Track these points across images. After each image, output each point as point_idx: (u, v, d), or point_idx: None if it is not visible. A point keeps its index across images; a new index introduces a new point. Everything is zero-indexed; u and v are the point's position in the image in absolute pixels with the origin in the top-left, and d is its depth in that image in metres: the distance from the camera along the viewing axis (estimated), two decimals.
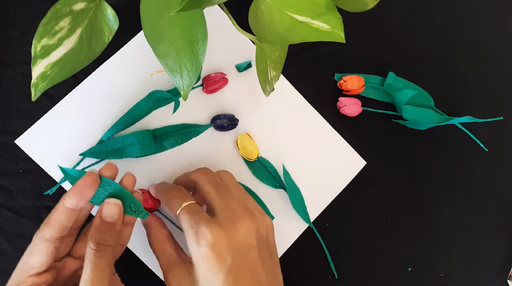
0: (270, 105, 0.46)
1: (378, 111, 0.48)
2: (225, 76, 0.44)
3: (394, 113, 0.48)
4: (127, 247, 0.42)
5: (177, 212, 0.36)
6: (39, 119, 0.41)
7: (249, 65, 0.45)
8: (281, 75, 0.46)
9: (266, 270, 0.35)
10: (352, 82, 0.47)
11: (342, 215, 0.47)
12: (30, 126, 0.41)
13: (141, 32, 0.43)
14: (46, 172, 0.41)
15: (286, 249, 0.45)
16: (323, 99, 0.47)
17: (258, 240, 0.35)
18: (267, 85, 0.39)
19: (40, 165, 0.41)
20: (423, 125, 0.48)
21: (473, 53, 0.51)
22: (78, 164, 0.42)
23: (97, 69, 0.43)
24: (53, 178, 0.42)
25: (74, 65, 0.33)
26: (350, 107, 0.47)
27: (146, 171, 0.43)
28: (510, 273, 0.50)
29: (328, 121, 0.47)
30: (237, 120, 0.44)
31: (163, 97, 0.43)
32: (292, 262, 0.45)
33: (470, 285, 0.50)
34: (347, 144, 0.47)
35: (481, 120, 0.49)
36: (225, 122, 0.44)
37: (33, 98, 0.31)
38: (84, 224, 0.38)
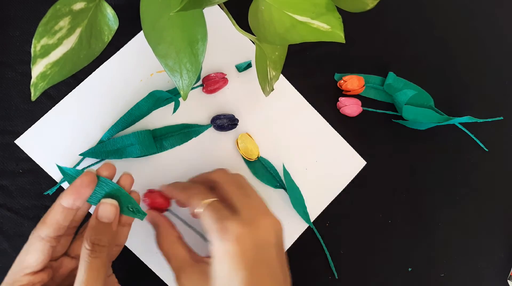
0: (270, 105, 0.46)
1: (378, 111, 0.48)
2: (225, 76, 0.44)
3: (394, 113, 0.48)
4: (127, 247, 0.42)
5: (199, 209, 0.36)
6: (39, 119, 0.41)
7: (249, 65, 0.45)
8: (281, 75, 0.46)
9: (281, 269, 0.35)
10: (352, 82, 0.47)
11: (342, 215, 0.47)
12: (30, 126, 0.41)
13: (141, 32, 0.43)
14: (46, 172, 0.41)
15: (286, 249, 0.45)
16: (323, 99, 0.47)
17: (275, 239, 0.36)
18: (266, 85, 0.39)
19: (40, 165, 0.41)
20: (423, 125, 0.48)
21: (473, 53, 0.51)
22: (78, 164, 0.42)
23: (97, 69, 0.43)
24: (53, 178, 0.42)
25: (73, 65, 0.33)
26: (350, 107, 0.47)
27: (146, 171, 0.43)
28: (510, 273, 0.50)
29: (328, 121, 0.47)
30: (237, 120, 0.44)
31: (163, 97, 0.43)
32: (292, 262, 0.45)
33: (470, 285, 0.50)
34: (347, 144, 0.47)
35: (481, 120, 0.49)
36: (225, 122, 0.44)
37: (33, 98, 0.31)
38: (82, 224, 0.38)
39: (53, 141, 0.42)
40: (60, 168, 0.35)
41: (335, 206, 0.47)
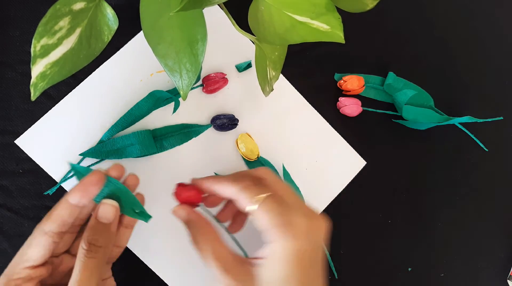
0: (270, 105, 0.46)
1: (378, 111, 0.48)
2: (225, 76, 0.44)
3: (394, 113, 0.48)
4: (127, 247, 0.42)
5: (252, 205, 0.33)
6: (39, 119, 0.41)
7: (249, 65, 0.45)
8: (281, 75, 0.46)
9: (324, 272, 0.34)
10: (352, 82, 0.47)
11: (342, 215, 0.47)
12: (30, 126, 0.41)
13: (141, 32, 0.43)
14: (46, 172, 0.41)
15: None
16: (323, 99, 0.47)
17: (324, 241, 0.35)
18: (266, 85, 0.39)
19: (40, 165, 0.41)
20: (423, 125, 0.48)
21: (473, 53, 0.51)
22: (78, 164, 0.42)
23: (97, 69, 0.43)
24: (53, 178, 0.42)
25: (73, 64, 0.33)
26: (350, 107, 0.47)
27: (146, 171, 0.43)
28: (510, 273, 0.50)
29: (328, 121, 0.47)
30: (237, 120, 0.44)
31: (163, 97, 0.43)
32: None
33: (470, 285, 0.50)
34: (347, 144, 0.47)
35: (481, 120, 0.49)
36: (225, 122, 0.44)
37: (33, 98, 0.31)
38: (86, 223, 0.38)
39: (53, 141, 0.42)
40: (72, 165, 0.35)
41: (335, 206, 0.47)
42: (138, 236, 0.41)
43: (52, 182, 0.42)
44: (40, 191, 0.42)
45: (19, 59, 0.42)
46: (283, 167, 0.45)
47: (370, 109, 0.48)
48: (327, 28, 0.32)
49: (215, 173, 0.44)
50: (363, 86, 0.47)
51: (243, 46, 0.45)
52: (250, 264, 0.33)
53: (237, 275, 0.32)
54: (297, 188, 0.45)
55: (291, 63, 0.44)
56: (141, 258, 0.42)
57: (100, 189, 0.34)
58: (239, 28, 0.37)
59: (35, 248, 0.33)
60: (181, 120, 0.44)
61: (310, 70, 0.47)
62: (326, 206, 0.46)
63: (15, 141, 0.41)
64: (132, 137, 0.42)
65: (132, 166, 0.43)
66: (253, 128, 0.45)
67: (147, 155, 0.43)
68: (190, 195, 0.36)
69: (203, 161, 0.44)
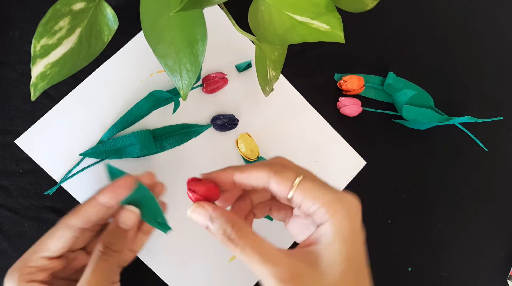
0: (270, 105, 0.46)
1: (378, 111, 0.48)
2: (225, 76, 0.44)
3: (394, 113, 0.48)
4: None
5: (290, 190, 0.30)
6: (39, 119, 0.41)
7: (249, 65, 0.45)
8: (281, 75, 0.46)
9: None
10: (352, 82, 0.47)
11: None
12: (30, 126, 0.41)
13: (141, 32, 0.43)
14: (46, 172, 0.41)
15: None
16: (323, 99, 0.47)
17: None
18: (266, 85, 0.39)
19: (40, 165, 0.41)
20: (423, 125, 0.48)
21: (473, 53, 0.51)
22: (78, 164, 0.42)
23: (97, 69, 0.43)
24: (53, 178, 0.42)
25: (73, 65, 0.33)
26: (350, 107, 0.47)
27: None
28: (510, 273, 0.50)
29: (328, 121, 0.47)
30: (237, 120, 0.44)
31: (163, 97, 0.43)
32: None
33: (470, 285, 0.50)
34: (347, 144, 0.47)
35: (481, 120, 0.49)
36: (225, 122, 0.44)
37: (33, 98, 0.31)
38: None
39: (53, 141, 0.42)
40: (108, 166, 0.36)
41: None
42: None
43: (52, 182, 0.42)
44: (40, 191, 0.42)
45: (19, 59, 0.42)
46: None
47: (370, 109, 0.48)
48: (327, 28, 0.32)
49: None
50: (363, 86, 0.47)
51: (243, 46, 0.45)
52: (303, 252, 0.29)
53: (287, 264, 0.28)
54: None
55: (291, 63, 0.44)
56: (141, 258, 0.42)
57: (129, 193, 0.34)
58: (239, 28, 0.37)
59: (56, 240, 0.33)
60: (181, 120, 0.44)
61: (310, 70, 0.47)
62: None
63: (15, 141, 0.41)
64: (132, 137, 0.42)
65: (132, 166, 0.43)
66: (253, 128, 0.45)
67: (147, 155, 0.43)
68: (209, 188, 0.31)
69: (203, 161, 0.44)
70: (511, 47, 0.52)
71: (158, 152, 0.43)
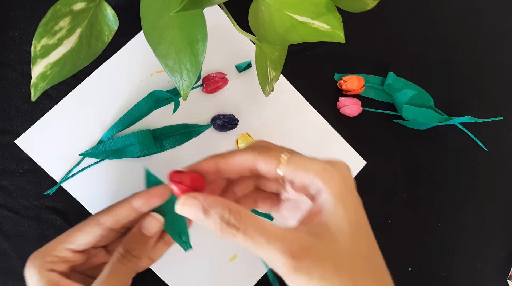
0: (270, 105, 0.46)
1: (378, 111, 0.48)
2: (225, 76, 0.44)
3: (394, 113, 0.48)
4: None
5: (280, 167, 0.29)
6: (39, 119, 0.41)
7: (249, 65, 0.45)
8: (281, 75, 0.46)
9: None
10: (352, 82, 0.47)
11: None
12: (30, 126, 0.41)
13: (141, 32, 0.43)
14: (46, 172, 0.41)
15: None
16: (323, 99, 0.47)
17: None
18: (266, 85, 0.39)
19: (40, 165, 0.41)
20: (423, 125, 0.48)
21: (473, 53, 0.51)
22: (78, 164, 0.42)
23: (97, 69, 0.43)
24: (53, 178, 0.42)
25: (73, 65, 0.33)
26: (350, 107, 0.47)
27: None
28: (510, 273, 0.50)
29: (328, 121, 0.47)
30: (237, 120, 0.44)
31: (163, 97, 0.43)
32: None
33: (470, 285, 0.50)
34: (347, 144, 0.47)
35: (481, 120, 0.49)
36: (225, 122, 0.44)
37: (33, 98, 0.31)
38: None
39: (53, 141, 0.42)
40: (147, 172, 0.36)
41: None
42: None
43: (52, 182, 0.42)
44: (40, 191, 0.42)
45: (19, 59, 0.42)
46: None
47: (370, 109, 0.48)
48: (328, 28, 0.32)
49: None
50: (363, 86, 0.47)
51: (243, 46, 0.45)
52: (307, 227, 0.28)
53: (300, 240, 0.26)
54: None
55: (291, 63, 0.44)
56: None
57: (161, 203, 0.35)
58: (239, 28, 0.37)
59: (85, 235, 0.34)
60: (181, 120, 0.44)
61: (310, 70, 0.47)
62: None
63: (15, 141, 0.41)
64: (132, 137, 0.42)
65: (132, 166, 0.43)
66: (253, 128, 0.45)
67: (147, 155, 0.43)
68: (195, 178, 0.30)
69: None
70: (511, 47, 0.52)
71: (158, 152, 0.43)
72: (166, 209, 0.35)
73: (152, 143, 0.42)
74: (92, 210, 0.42)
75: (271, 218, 0.43)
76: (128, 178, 0.42)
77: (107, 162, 0.42)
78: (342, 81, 0.47)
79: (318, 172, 0.28)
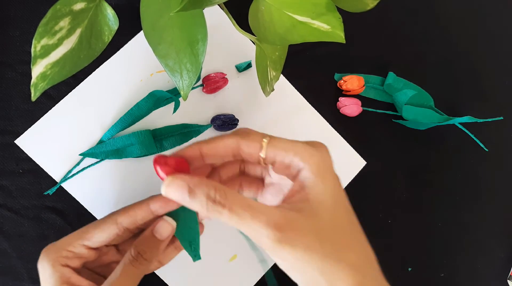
0: (270, 105, 0.46)
1: (378, 111, 0.48)
2: (225, 76, 0.44)
3: (394, 113, 0.48)
4: None
5: (262, 151, 0.31)
6: (39, 119, 0.41)
7: (249, 65, 0.45)
8: (281, 75, 0.46)
9: None
10: (352, 82, 0.47)
11: None
12: (30, 126, 0.41)
13: (141, 32, 0.43)
14: (46, 172, 0.41)
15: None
16: (323, 99, 0.47)
17: None
18: (267, 85, 0.39)
19: (40, 165, 0.41)
20: (423, 125, 0.48)
21: (473, 53, 0.51)
22: (78, 164, 0.42)
23: (97, 69, 0.43)
24: (53, 178, 0.42)
25: (74, 65, 0.33)
26: (350, 107, 0.47)
27: (146, 171, 0.43)
28: (510, 273, 0.50)
29: (328, 121, 0.47)
30: (237, 120, 0.44)
31: (163, 97, 0.43)
32: None
33: (470, 285, 0.50)
34: (347, 144, 0.47)
35: (481, 120, 0.49)
36: (225, 122, 0.44)
37: (33, 98, 0.31)
38: None
39: (53, 141, 0.42)
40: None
41: None
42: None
43: (52, 182, 0.42)
44: (40, 191, 0.42)
45: (19, 59, 0.42)
46: None
47: (370, 109, 0.48)
48: (328, 28, 0.32)
49: None
50: (363, 86, 0.47)
51: (243, 46, 0.45)
52: (290, 203, 0.29)
53: (284, 215, 0.27)
54: None
55: (291, 63, 0.44)
56: None
57: (177, 207, 0.35)
58: (239, 28, 0.37)
59: (101, 232, 0.34)
60: (181, 120, 0.44)
61: (310, 70, 0.47)
62: None
63: (15, 141, 0.41)
64: (132, 137, 0.42)
65: (132, 166, 0.43)
66: (253, 128, 0.45)
67: (147, 155, 0.43)
68: (180, 161, 0.30)
69: None
70: (511, 47, 0.52)
71: (158, 152, 0.43)
72: (180, 215, 0.35)
73: (152, 143, 0.42)
74: (92, 210, 0.42)
75: None
76: (128, 178, 0.42)
77: (107, 162, 0.42)
78: (342, 81, 0.47)
79: (298, 152, 0.29)
